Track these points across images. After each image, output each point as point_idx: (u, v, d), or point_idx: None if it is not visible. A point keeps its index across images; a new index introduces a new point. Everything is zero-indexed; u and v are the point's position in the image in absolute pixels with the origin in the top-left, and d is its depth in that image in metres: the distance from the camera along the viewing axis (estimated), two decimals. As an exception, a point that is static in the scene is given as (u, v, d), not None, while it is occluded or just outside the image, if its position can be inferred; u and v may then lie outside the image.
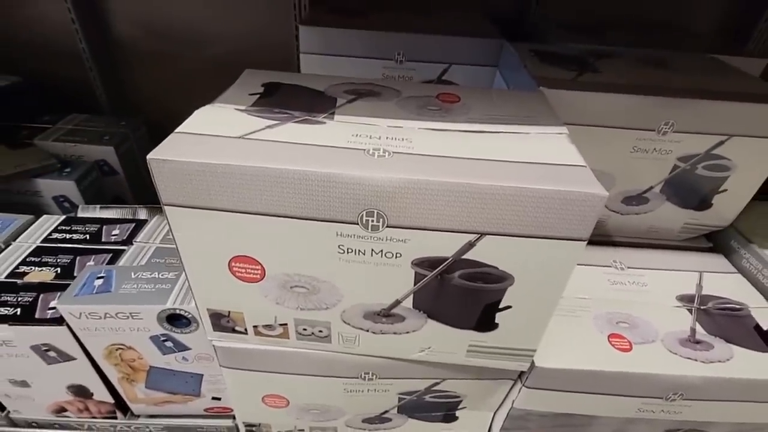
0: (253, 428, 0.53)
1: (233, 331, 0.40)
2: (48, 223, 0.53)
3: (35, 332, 0.41)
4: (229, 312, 0.38)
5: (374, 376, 0.43)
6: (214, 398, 0.50)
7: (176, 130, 0.31)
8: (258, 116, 0.34)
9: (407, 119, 0.36)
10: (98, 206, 0.59)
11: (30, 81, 0.78)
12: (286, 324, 0.38)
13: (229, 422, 0.53)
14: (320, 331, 0.39)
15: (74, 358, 0.44)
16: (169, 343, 0.43)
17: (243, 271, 0.34)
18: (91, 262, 0.47)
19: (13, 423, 0.53)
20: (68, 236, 0.51)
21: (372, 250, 0.31)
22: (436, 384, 0.45)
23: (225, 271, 0.34)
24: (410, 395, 0.46)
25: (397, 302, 0.35)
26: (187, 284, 0.41)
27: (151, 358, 0.45)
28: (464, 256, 0.31)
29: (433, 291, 0.34)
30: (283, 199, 0.30)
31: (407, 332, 0.38)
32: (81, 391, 0.48)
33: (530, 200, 0.28)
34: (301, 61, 0.61)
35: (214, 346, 0.42)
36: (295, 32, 0.76)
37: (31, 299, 0.43)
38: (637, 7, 0.71)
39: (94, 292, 0.40)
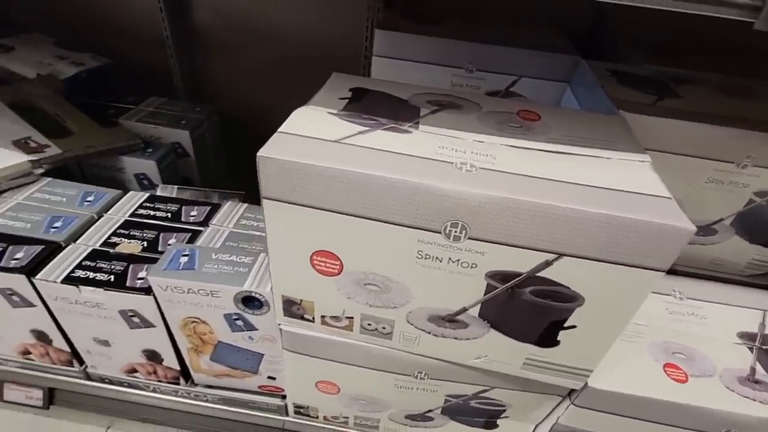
0: (302, 410, 0.56)
1: (302, 318, 0.42)
2: (134, 198, 0.57)
3: (125, 299, 0.45)
4: (302, 300, 0.41)
5: (426, 376, 0.45)
6: (269, 377, 0.54)
7: (279, 130, 0.34)
8: (349, 121, 0.37)
9: (489, 134, 0.37)
10: (176, 187, 0.63)
11: (117, 63, 0.85)
12: (352, 317, 0.41)
13: (278, 401, 0.57)
14: (383, 328, 0.41)
15: (154, 326, 0.48)
16: (239, 322, 0.46)
17: (323, 264, 0.37)
18: (174, 240, 0.51)
19: (88, 377, 0.59)
20: (152, 213, 0.55)
21: (449, 258, 0.33)
22: (485, 391, 0.46)
23: (306, 263, 0.37)
24: (457, 398, 0.48)
25: (464, 309, 0.37)
26: (264, 270, 0.44)
27: (220, 333, 0.48)
28: (538, 274, 0.32)
29: (501, 303, 0.35)
30: (372, 203, 0.32)
31: (467, 339, 0.39)
32: (153, 356, 0.53)
33: (615, 227, 0.29)
34: (373, 63, 0.63)
35: (281, 329, 0.45)
36: (365, 33, 0.78)
37: (122, 269, 0.47)
38: (717, 29, 0.69)
39: (180, 268, 0.44)
